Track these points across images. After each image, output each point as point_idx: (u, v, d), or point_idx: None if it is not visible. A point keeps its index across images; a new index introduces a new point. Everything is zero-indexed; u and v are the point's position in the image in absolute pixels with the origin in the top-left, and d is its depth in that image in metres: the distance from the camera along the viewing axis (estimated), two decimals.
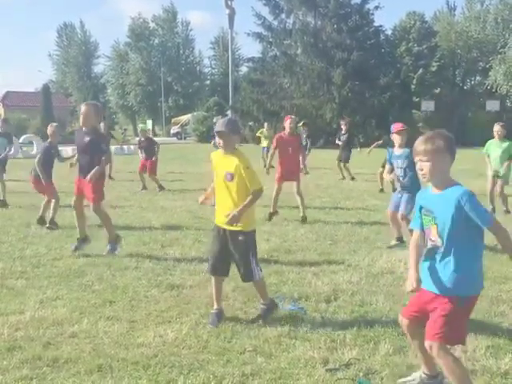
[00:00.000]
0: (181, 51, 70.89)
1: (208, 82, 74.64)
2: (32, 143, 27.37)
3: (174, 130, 57.36)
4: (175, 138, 52.89)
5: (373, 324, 4.20)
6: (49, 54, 79.44)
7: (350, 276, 5.57)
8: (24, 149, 25.98)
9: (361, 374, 3.42)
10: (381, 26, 40.85)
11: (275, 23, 39.49)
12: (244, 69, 59.58)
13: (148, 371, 3.46)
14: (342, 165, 15.53)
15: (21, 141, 26.38)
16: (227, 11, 41.66)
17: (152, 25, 69.91)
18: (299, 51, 39.15)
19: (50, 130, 8.76)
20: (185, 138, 51.60)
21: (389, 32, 43.86)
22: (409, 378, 3.31)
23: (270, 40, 39.96)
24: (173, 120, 61.13)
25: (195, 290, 5.12)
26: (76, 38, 78.02)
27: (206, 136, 42.03)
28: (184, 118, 56.81)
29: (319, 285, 5.26)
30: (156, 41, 70.05)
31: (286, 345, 3.87)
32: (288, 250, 6.81)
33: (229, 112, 40.98)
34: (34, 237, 7.61)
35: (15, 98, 59.28)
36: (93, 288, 5.21)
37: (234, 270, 4.45)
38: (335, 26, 37.98)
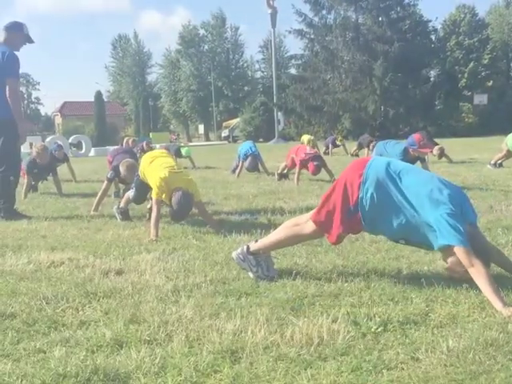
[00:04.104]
0: (230, 56, 71.96)
1: (260, 86, 75.31)
2: (81, 143, 28.90)
3: (225, 133, 58.55)
4: (226, 142, 53.96)
5: None
6: (105, 66, 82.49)
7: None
8: (73, 148, 27.43)
9: None
10: (422, 16, 40.36)
11: (316, 20, 39.76)
12: (293, 71, 60.01)
13: None
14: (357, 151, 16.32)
15: (70, 141, 27.81)
16: (269, 11, 42.29)
17: (201, 31, 71.35)
18: (340, 46, 39.12)
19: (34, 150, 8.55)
20: (235, 141, 52.51)
21: (438, 26, 43.40)
22: None
23: (312, 37, 40.18)
24: (224, 124, 62.29)
25: None
26: (130, 49, 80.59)
27: (252, 135, 42.79)
28: (234, 121, 57.85)
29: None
30: (206, 47, 71.40)
31: None
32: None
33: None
34: None
35: (72, 107, 62.23)
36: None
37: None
38: (378, 18, 37.96)
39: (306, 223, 3.32)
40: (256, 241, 3.50)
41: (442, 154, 12.17)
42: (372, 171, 3.10)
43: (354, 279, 3.22)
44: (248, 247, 3.44)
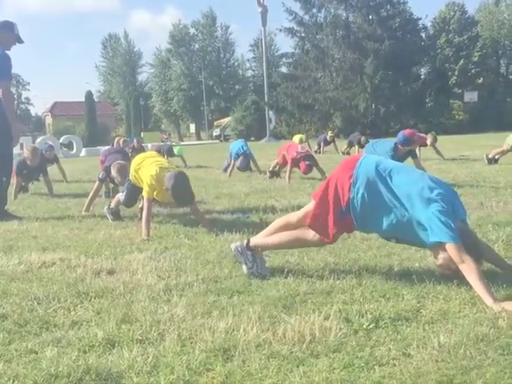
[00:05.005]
0: (221, 55, 71.85)
1: (251, 84, 75.16)
2: (72, 143, 28.75)
3: (216, 132, 58.53)
4: (217, 141, 53.91)
5: None
6: (95, 66, 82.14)
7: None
8: (64, 149, 27.29)
9: None
10: (412, 14, 40.65)
11: (306, 18, 39.92)
12: (284, 69, 60.13)
13: None
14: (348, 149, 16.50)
15: (61, 141, 27.63)
16: (260, 9, 42.25)
17: (192, 30, 71.16)
18: (331, 44, 39.28)
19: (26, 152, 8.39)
20: (226, 140, 52.44)
21: (427, 23, 43.70)
22: None
23: (302, 35, 40.30)
24: (215, 123, 62.21)
25: None
26: (120, 49, 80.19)
27: (244, 134, 42.77)
28: (225, 120, 57.82)
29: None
30: (196, 46, 71.22)
31: None
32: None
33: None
34: None
35: (62, 107, 61.94)
36: None
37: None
38: (368, 16, 38.21)
39: (309, 230, 3.32)
40: (248, 240, 3.51)
41: (434, 140, 12.18)
42: (362, 171, 3.11)
43: (345, 276, 3.22)
44: (248, 242, 3.45)
